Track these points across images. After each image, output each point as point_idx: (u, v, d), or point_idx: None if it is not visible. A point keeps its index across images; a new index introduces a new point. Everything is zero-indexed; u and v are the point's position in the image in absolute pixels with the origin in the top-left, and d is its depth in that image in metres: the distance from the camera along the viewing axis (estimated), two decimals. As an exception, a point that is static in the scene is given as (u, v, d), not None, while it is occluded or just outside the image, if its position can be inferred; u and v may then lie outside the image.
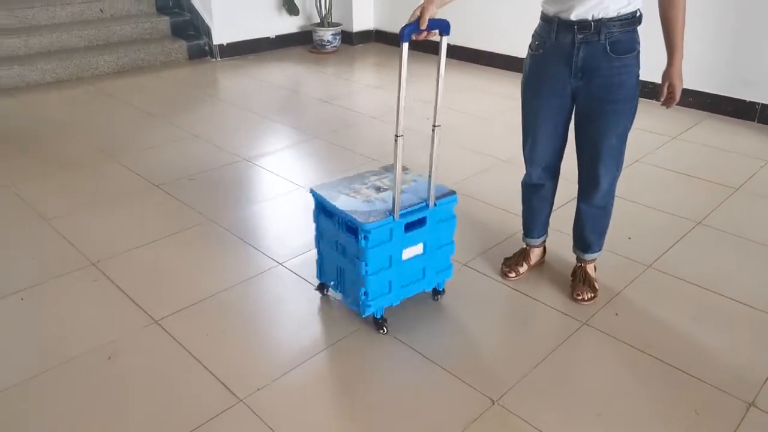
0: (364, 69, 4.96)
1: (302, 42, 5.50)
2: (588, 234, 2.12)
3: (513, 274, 2.23)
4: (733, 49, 3.77)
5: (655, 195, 2.88)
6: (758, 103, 3.74)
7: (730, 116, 3.84)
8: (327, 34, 5.23)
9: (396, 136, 1.72)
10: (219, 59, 5.00)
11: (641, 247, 2.43)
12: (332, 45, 5.30)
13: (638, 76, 1.86)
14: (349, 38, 5.54)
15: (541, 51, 1.90)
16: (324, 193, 1.92)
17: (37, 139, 3.40)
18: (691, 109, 3.92)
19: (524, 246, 2.29)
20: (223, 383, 1.73)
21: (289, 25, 5.40)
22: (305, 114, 3.96)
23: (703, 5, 3.68)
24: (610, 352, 1.90)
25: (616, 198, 2.07)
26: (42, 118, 3.71)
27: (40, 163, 3.07)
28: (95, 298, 2.09)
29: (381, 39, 5.62)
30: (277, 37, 5.34)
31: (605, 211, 2.09)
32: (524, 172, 2.14)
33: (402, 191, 1.88)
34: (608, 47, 1.78)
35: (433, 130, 1.80)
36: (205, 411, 1.64)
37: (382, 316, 1.95)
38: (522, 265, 2.25)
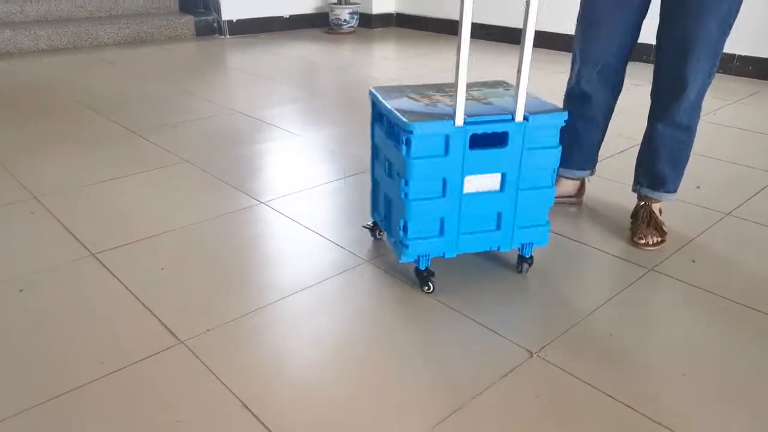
0: (383, 48, 4.57)
1: (318, 24, 5.17)
2: (662, 166, 1.65)
3: None
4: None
5: (722, 149, 2.39)
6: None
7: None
8: (344, 13, 4.89)
9: None
10: (228, 36, 4.68)
11: (714, 196, 1.94)
12: (349, 25, 4.95)
13: None
14: (368, 21, 5.20)
15: None
16: (382, 94, 1.44)
17: (17, 94, 3.07)
18: (751, 79, 3.44)
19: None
20: (162, 322, 1.29)
21: (305, 4, 5.08)
22: (315, 79, 3.57)
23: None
24: (686, 299, 1.40)
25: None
26: (29, 78, 3.39)
27: (12, 112, 2.73)
28: (24, 229, 1.68)
29: (403, 23, 5.26)
30: (291, 17, 5.02)
31: (689, 133, 1.61)
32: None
33: (487, 101, 1.37)
34: None
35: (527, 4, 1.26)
36: (135, 351, 1.19)
37: (427, 268, 1.42)
38: None
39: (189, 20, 4.61)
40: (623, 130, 2.34)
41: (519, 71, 1.30)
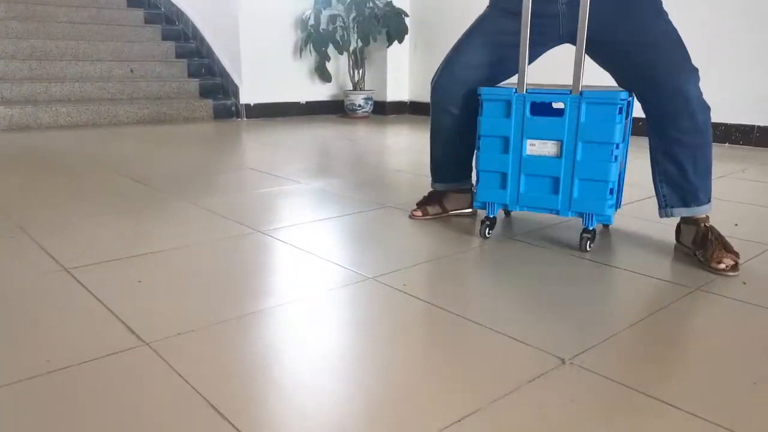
0: (396, 128, 4.60)
1: (334, 111, 5.29)
2: (692, 176, 1.49)
3: (419, 213, 1.87)
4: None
5: (754, 197, 2.24)
6: None
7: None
8: (359, 98, 5.00)
9: None
10: (245, 119, 4.78)
11: (755, 232, 1.77)
12: (363, 110, 5.05)
13: None
14: (381, 108, 5.31)
15: None
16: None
17: (31, 157, 3.06)
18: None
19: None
20: (126, 325, 1.11)
21: (321, 92, 5.23)
22: (326, 147, 3.55)
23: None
24: (741, 313, 1.20)
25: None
26: (45, 146, 3.41)
27: (21, 169, 2.70)
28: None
29: (416, 110, 5.36)
30: (307, 103, 5.15)
31: (705, 131, 1.45)
32: None
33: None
34: None
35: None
36: (90, 349, 1.01)
37: (494, 217, 1.68)
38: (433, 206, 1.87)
39: (207, 103, 4.74)
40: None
41: (578, 50, 1.46)
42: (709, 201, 1.52)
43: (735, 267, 1.41)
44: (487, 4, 1.70)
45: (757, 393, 0.92)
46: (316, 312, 1.20)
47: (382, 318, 1.19)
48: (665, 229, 1.74)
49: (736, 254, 1.44)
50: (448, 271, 1.45)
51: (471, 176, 1.88)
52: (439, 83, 1.73)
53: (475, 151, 1.70)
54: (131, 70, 4.78)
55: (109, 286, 1.30)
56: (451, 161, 1.82)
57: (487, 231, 1.68)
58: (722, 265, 1.41)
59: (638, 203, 2.09)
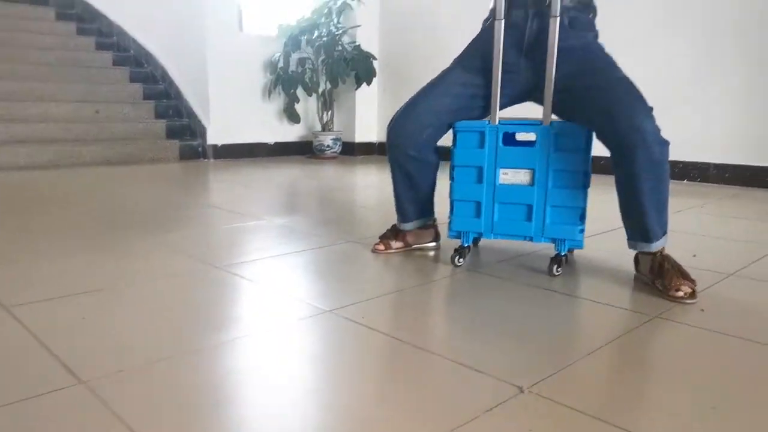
0: (365, 167, 4.62)
1: (302, 152, 5.30)
2: (649, 210, 1.49)
3: (381, 247, 1.87)
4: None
5: (712, 229, 2.28)
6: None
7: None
8: (327, 139, 5.03)
9: (495, 19, 1.58)
10: (212, 159, 4.75)
11: (713, 262, 1.79)
12: (332, 150, 5.07)
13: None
14: (350, 149, 5.34)
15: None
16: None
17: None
18: (727, 186, 3.45)
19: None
20: (63, 364, 1.05)
21: (290, 133, 5.24)
22: (293, 186, 3.53)
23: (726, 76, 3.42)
24: (699, 340, 1.19)
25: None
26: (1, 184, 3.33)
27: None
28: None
29: (385, 152, 5.40)
30: (276, 144, 5.15)
31: (662, 164, 1.46)
32: None
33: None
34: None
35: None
36: (28, 388, 0.94)
37: (467, 248, 1.70)
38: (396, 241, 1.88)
39: (174, 144, 4.70)
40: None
41: (547, 80, 1.55)
42: (665, 234, 1.54)
43: (693, 294, 1.42)
44: (453, 60, 1.77)
45: (716, 418, 0.90)
46: (269, 346, 1.16)
47: (338, 351, 1.15)
48: (626, 260, 1.75)
49: (693, 282, 1.45)
50: (409, 304, 1.42)
51: (433, 211, 1.88)
52: (399, 124, 1.72)
53: (450, 182, 1.72)
54: (97, 111, 4.73)
55: (50, 324, 1.24)
56: (415, 200, 1.82)
57: (458, 259, 1.70)
58: (680, 293, 1.42)
59: (600, 236, 2.11)
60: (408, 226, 1.86)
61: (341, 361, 1.10)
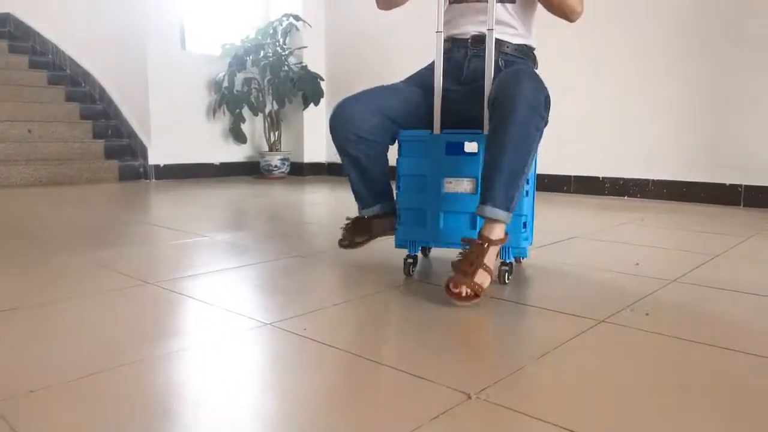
0: (314, 187, 4.56)
1: (249, 172, 5.20)
2: (496, 173, 1.41)
3: (346, 243, 1.84)
4: (708, 132, 3.55)
5: (654, 239, 2.33)
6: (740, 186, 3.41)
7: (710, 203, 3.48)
8: (275, 159, 4.95)
9: (437, 31, 1.62)
10: (153, 180, 4.58)
11: (656, 269, 1.81)
12: (280, 170, 4.98)
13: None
14: (299, 169, 5.27)
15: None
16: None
17: None
18: (666, 201, 3.57)
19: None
20: (-31, 384, 0.94)
21: (236, 153, 5.14)
22: (238, 204, 3.43)
23: (670, 88, 3.57)
24: (646, 343, 1.18)
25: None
26: None
27: None
28: None
29: (335, 171, 5.36)
30: (221, 164, 5.03)
31: (525, 129, 1.39)
32: None
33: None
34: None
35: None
36: None
37: (415, 257, 1.68)
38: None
39: (113, 164, 4.52)
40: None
41: (485, 83, 1.57)
42: (507, 210, 1.43)
43: (468, 298, 1.36)
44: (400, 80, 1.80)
45: (663, 420, 0.88)
46: (203, 361, 1.08)
47: (277, 363, 1.08)
48: (576, 269, 1.76)
49: (480, 289, 1.38)
50: (352, 315, 1.36)
51: (393, 198, 1.80)
52: (344, 106, 1.63)
53: (396, 191, 1.70)
54: (29, 131, 4.51)
55: (-43, 345, 1.12)
56: (370, 187, 1.76)
57: (411, 269, 1.69)
58: (456, 290, 1.36)
59: (547, 246, 2.11)
60: (368, 212, 1.80)
61: (281, 374, 1.03)
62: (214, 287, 1.57)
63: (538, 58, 1.76)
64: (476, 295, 1.37)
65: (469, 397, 0.92)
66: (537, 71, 1.63)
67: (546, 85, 1.47)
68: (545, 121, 1.46)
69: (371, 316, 1.36)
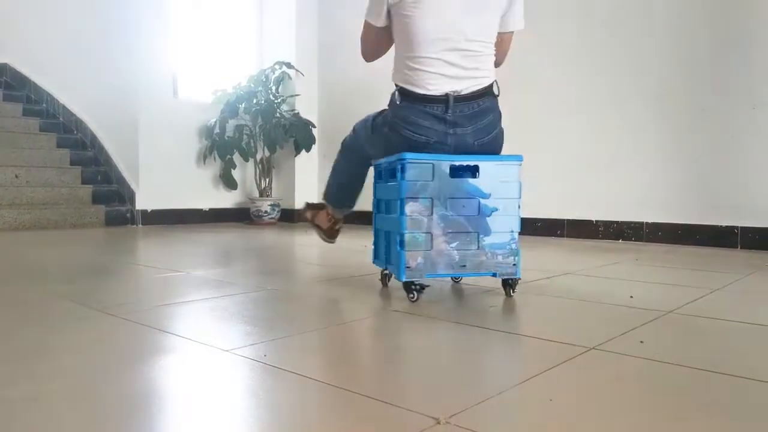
0: (301, 235, 4.47)
1: (239, 218, 5.13)
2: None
3: (308, 215, 2.34)
4: (703, 173, 3.51)
5: (649, 276, 2.24)
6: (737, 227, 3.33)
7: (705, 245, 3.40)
8: (265, 205, 4.88)
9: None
10: (140, 225, 4.50)
11: (650, 301, 1.71)
12: (270, 216, 4.91)
13: None
14: (290, 215, 5.20)
15: None
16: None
17: None
18: (661, 244, 3.49)
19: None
20: None
21: (227, 199, 5.08)
22: (226, 247, 3.33)
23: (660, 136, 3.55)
24: (637, 372, 1.08)
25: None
26: None
27: None
28: None
29: (325, 219, 5.28)
30: (211, 210, 4.96)
31: (342, 149, 2.16)
32: None
33: None
34: None
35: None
36: None
37: (421, 285, 1.62)
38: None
39: (99, 209, 4.45)
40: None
41: None
42: (328, 201, 2.22)
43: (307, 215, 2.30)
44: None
45: (661, 443, 0.77)
46: (150, 389, 0.97)
47: (233, 390, 0.97)
48: (568, 302, 1.66)
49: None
50: (318, 342, 1.26)
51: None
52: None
53: (373, 244, 1.96)
54: (16, 176, 4.46)
55: None
56: (355, 191, 2.20)
57: (386, 280, 1.87)
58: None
59: (539, 281, 2.01)
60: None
61: (237, 401, 0.92)
62: (176, 317, 1.47)
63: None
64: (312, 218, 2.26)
65: (439, 422, 0.81)
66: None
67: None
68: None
69: (339, 344, 1.26)
